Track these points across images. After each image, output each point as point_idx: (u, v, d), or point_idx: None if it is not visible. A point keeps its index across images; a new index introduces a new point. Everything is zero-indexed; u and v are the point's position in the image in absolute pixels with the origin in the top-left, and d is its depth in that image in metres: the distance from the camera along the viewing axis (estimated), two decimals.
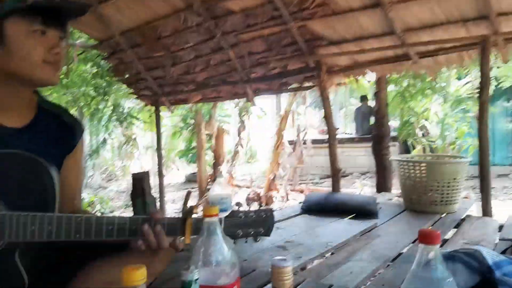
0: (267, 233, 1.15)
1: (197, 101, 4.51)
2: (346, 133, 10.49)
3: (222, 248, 1.02)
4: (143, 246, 1.07)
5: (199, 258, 1.01)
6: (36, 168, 1.02)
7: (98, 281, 1.14)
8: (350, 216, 2.83)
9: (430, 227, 2.52)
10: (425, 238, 0.76)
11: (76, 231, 1.00)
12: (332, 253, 2.11)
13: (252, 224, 1.14)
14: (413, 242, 2.24)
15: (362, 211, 2.84)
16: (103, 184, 9.73)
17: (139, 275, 0.76)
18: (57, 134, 1.21)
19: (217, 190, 2.02)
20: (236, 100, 5.25)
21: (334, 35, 3.10)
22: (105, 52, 4.03)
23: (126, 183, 8.94)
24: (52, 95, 5.48)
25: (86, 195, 6.26)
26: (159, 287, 1.39)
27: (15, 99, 1.11)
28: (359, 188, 6.19)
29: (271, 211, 1.17)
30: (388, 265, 1.91)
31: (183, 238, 1.09)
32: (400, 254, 2.06)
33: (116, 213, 6.26)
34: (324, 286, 1.60)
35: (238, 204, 1.16)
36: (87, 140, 9.75)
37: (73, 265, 1.21)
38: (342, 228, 2.53)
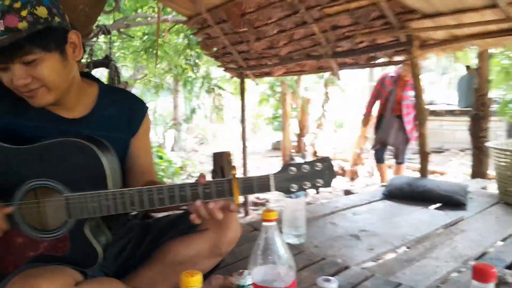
0: (327, 184, 1.09)
1: (281, 74, 4.51)
2: (447, 104, 9.64)
3: (279, 252, 1.05)
4: (196, 219, 1.11)
5: (256, 259, 1.06)
6: (86, 152, 1.09)
7: (169, 262, 1.26)
8: (435, 206, 2.68)
9: None
10: (479, 275, 0.73)
11: (131, 203, 1.08)
12: (408, 247, 2.04)
13: (307, 176, 1.08)
14: (502, 241, 2.07)
15: (449, 201, 2.67)
16: (195, 147, 10.35)
17: (195, 281, 0.84)
18: (118, 119, 1.28)
19: None
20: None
21: (428, 8, 2.82)
22: (194, 28, 4.17)
23: (216, 147, 9.40)
24: (148, 65, 5.88)
25: (178, 159, 6.72)
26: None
27: (68, 96, 1.19)
28: (453, 167, 5.76)
29: (329, 160, 1.10)
30: (467, 266, 1.80)
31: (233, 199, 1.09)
32: (484, 254, 1.91)
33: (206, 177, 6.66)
34: (392, 284, 1.56)
35: (291, 158, 1.11)
36: (182, 105, 10.36)
37: (146, 245, 1.34)
38: (423, 219, 2.40)
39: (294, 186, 1.08)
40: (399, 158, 4.75)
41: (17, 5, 1.02)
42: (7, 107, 1.16)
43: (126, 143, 1.31)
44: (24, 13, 1.02)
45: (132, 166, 1.32)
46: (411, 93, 4.38)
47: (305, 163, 1.09)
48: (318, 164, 1.08)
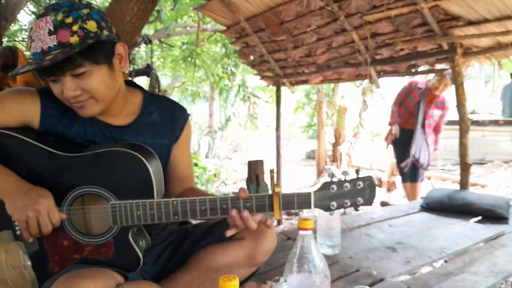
0: (368, 203, 1.10)
1: (318, 82, 4.49)
2: (490, 113, 9.24)
3: (315, 261, 1.05)
4: (233, 231, 1.14)
5: (292, 268, 1.06)
6: (133, 161, 1.12)
7: (206, 269, 1.27)
8: (475, 219, 2.58)
9: None
10: None
11: (174, 213, 1.11)
12: (446, 261, 1.97)
13: (348, 195, 1.10)
14: None
15: (491, 214, 2.57)
16: (229, 155, 10.44)
17: (232, 285, 0.84)
18: (161, 126, 1.31)
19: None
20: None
21: (472, 15, 2.75)
22: (232, 37, 4.24)
23: (249, 155, 9.45)
24: (186, 74, 6.01)
25: (212, 166, 6.80)
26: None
27: (114, 105, 1.23)
28: (496, 180, 5.51)
29: (370, 178, 1.11)
30: (507, 282, 1.71)
31: (273, 213, 1.10)
32: None
33: (238, 185, 6.70)
34: None
35: (331, 175, 1.11)
36: (217, 113, 10.49)
37: (184, 251, 1.36)
38: (462, 233, 2.31)
39: (334, 204, 1.10)
40: (422, 176, 4.19)
41: (69, 20, 1.04)
42: (58, 115, 1.21)
43: (168, 149, 1.33)
44: (75, 27, 1.05)
45: (173, 172, 1.34)
46: (436, 112, 4.01)
47: (346, 181, 1.09)
48: (360, 182, 1.09)
